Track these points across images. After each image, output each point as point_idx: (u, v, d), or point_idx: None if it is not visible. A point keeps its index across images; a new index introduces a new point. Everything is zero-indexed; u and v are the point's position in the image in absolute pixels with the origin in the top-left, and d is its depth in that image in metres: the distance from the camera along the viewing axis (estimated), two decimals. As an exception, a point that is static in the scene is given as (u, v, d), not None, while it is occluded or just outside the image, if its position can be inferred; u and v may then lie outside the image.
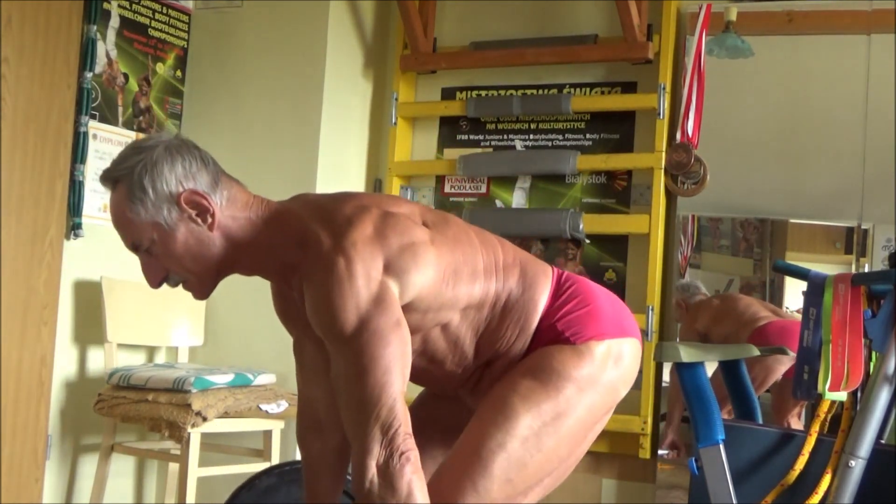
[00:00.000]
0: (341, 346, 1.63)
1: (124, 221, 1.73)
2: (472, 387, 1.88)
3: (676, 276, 3.48)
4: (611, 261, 3.58)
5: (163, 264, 1.75)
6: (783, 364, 3.23)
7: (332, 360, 1.68)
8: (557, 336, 1.79)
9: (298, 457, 2.11)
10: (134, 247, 1.76)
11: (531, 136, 3.77)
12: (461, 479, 1.70)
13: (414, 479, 1.60)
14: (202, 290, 1.80)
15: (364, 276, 1.63)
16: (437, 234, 1.75)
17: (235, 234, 1.74)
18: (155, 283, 1.78)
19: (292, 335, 1.97)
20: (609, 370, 1.79)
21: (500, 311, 1.80)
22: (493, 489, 1.71)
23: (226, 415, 3.21)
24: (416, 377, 1.77)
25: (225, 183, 1.75)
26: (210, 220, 1.71)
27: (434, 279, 1.71)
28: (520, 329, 1.81)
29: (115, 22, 3.63)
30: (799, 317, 2.69)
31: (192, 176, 1.71)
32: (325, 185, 3.64)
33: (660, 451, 3.38)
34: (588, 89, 3.70)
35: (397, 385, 1.62)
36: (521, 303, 1.81)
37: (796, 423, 3.24)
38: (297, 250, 1.71)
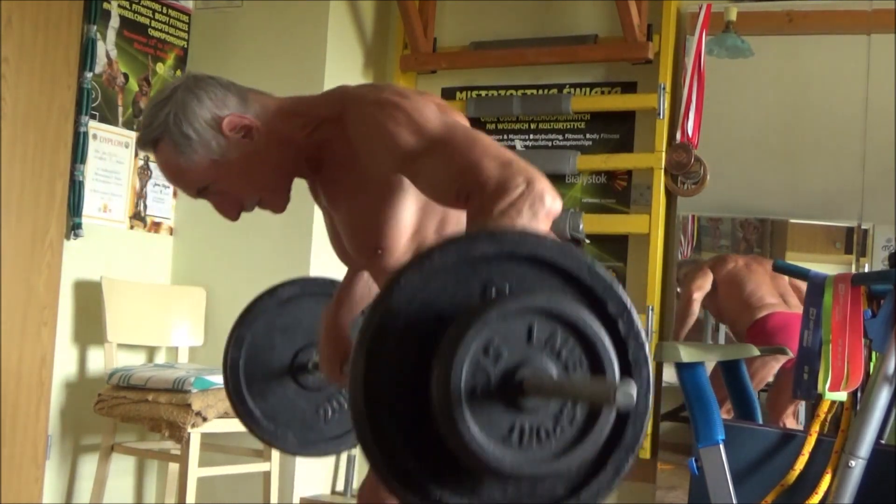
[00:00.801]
0: (433, 142, 1.52)
1: (180, 173, 1.72)
2: None
3: (677, 275, 3.48)
4: (611, 261, 3.58)
5: (235, 195, 1.74)
6: (780, 360, 3.24)
7: (426, 174, 1.54)
8: None
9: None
10: (199, 192, 1.74)
11: (531, 136, 3.77)
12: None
13: (548, 225, 1.42)
14: (279, 202, 1.78)
15: (422, 102, 1.60)
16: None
17: (284, 136, 1.73)
18: (234, 215, 1.77)
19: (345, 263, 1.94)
20: None
21: None
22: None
23: (226, 415, 3.21)
24: None
25: (253, 96, 1.75)
26: (256, 134, 1.71)
27: None
28: None
29: (115, 22, 3.63)
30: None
31: (222, 102, 1.70)
32: (325, 185, 3.64)
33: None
34: (588, 89, 3.70)
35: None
36: None
37: (792, 423, 3.24)
38: (334, 121, 1.68)
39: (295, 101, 1.77)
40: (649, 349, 1.21)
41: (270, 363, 2.10)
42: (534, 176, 1.41)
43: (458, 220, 1.67)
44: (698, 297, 3.44)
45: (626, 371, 1.17)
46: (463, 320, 1.12)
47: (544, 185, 1.41)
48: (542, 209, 1.39)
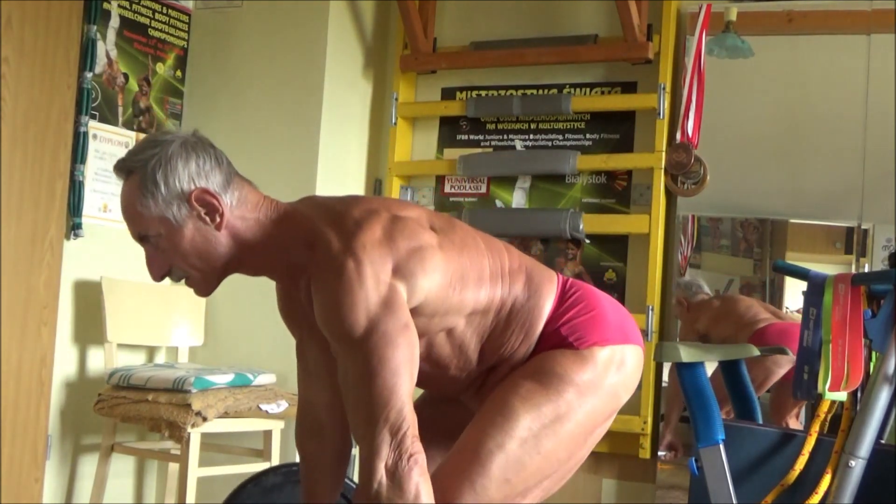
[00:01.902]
0: (350, 348, 1.63)
1: (133, 212, 1.73)
2: (475, 391, 1.89)
3: (676, 276, 3.48)
4: (611, 261, 3.58)
5: (168, 259, 1.75)
6: (782, 367, 3.23)
7: (339, 362, 1.68)
8: (561, 341, 1.79)
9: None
10: (140, 238, 1.76)
11: (531, 136, 3.77)
12: (460, 478, 1.70)
13: (421, 481, 1.60)
14: (205, 287, 1.80)
15: (373, 278, 1.63)
16: (444, 239, 1.75)
17: (243, 235, 1.75)
18: (158, 276, 1.78)
19: (295, 337, 1.97)
20: (611, 376, 1.80)
21: (505, 316, 1.81)
22: (491, 489, 1.71)
23: (226, 415, 3.21)
24: (419, 381, 1.77)
25: (237, 183, 1.76)
26: (219, 219, 1.72)
27: (441, 284, 1.71)
28: (524, 335, 1.82)
29: (115, 22, 3.63)
30: (799, 318, 2.69)
31: (206, 174, 1.72)
32: (325, 184, 3.64)
33: (659, 453, 3.38)
34: (588, 89, 3.70)
35: (406, 387, 1.63)
36: (527, 309, 1.81)
37: (795, 424, 3.23)
38: (306, 251, 1.71)
39: (272, 207, 1.78)
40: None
41: None
42: (398, 436, 1.59)
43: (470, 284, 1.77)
44: None
45: None
46: None
47: (407, 448, 1.60)
48: (406, 477, 1.59)
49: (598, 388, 1.78)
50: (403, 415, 1.61)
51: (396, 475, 1.59)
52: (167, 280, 4.09)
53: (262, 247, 1.76)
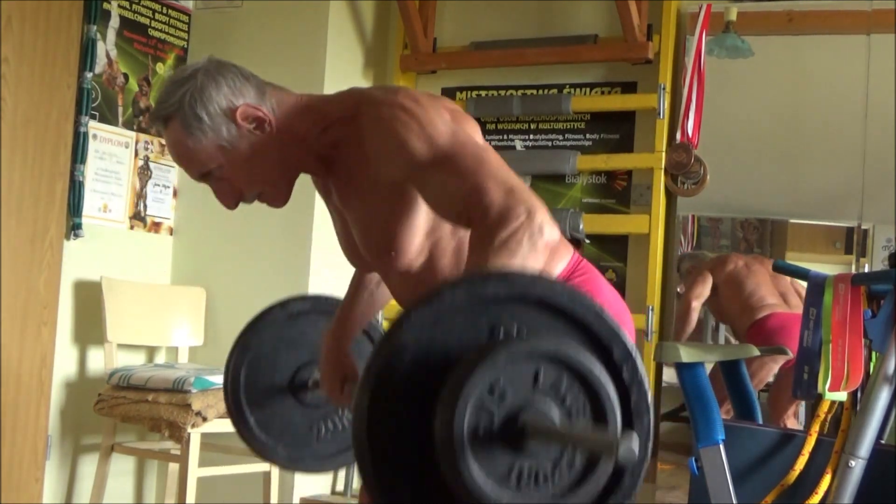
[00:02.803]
0: (442, 155, 1.54)
1: (187, 153, 1.71)
2: None
3: (676, 275, 3.48)
4: (611, 261, 3.58)
5: (235, 184, 1.73)
6: (778, 361, 3.24)
7: (432, 187, 1.57)
8: None
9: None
10: (202, 175, 1.74)
11: (531, 136, 3.77)
12: None
13: (545, 255, 1.45)
14: (281, 197, 1.77)
15: (435, 110, 1.60)
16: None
17: (295, 132, 1.73)
18: (233, 204, 1.76)
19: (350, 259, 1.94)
20: None
21: None
22: None
23: (226, 415, 3.20)
24: (407, 297, 1.75)
25: (270, 90, 1.75)
26: (269, 128, 1.71)
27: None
28: None
29: (115, 22, 3.63)
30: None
31: (240, 91, 1.71)
32: (325, 185, 3.64)
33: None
34: (588, 89, 3.70)
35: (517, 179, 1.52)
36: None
37: (793, 423, 3.24)
38: (347, 121, 1.68)
39: (310, 99, 1.77)
40: (651, 398, 1.22)
41: (272, 375, 2.10)
42: (534, 206, 1.44)
43: None
44: (697, 304, 3.44)
45: (628, 419, 1.19)
46: (470, 361, 1.13)
47: (543, 216, 1.44)
48: (541, 240, 1.42)
49: None
50: (530, 194, 1.46)
51: (535, 235, 1.41)
52: (167, 281, 4.10)
53: (310, 135, 1.73)
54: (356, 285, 2.05)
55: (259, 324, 2.14)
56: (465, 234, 1.67)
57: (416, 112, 1.59)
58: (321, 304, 2.19)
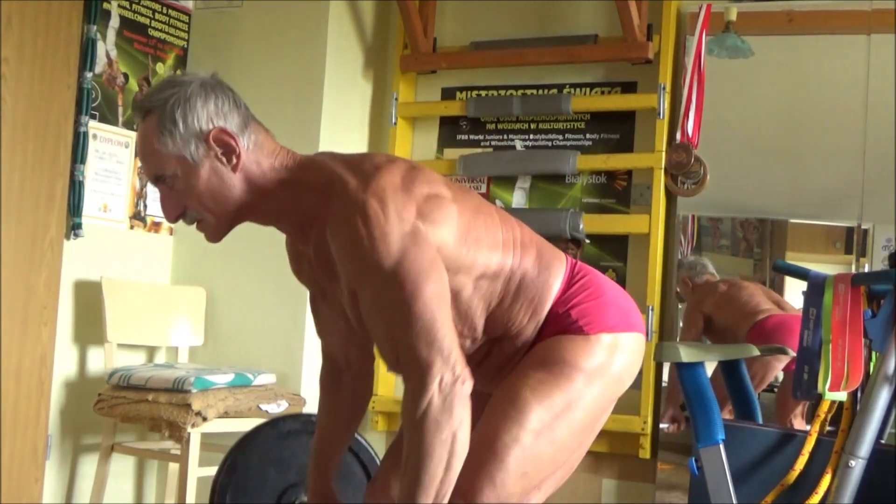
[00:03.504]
0: (381, 280, 1.61)
1: (150, 151, 1.72)
2: (478, 363, 1.85)
3: (676, 276, 3.48)
4: (611, 261, 3.58)
5: (182, 200, 1.74)
6: (782, 361, 3.24)
7: (366, 303, 1.65)
8: (569, 325, 1.79)
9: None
10: (156, 178, 1.75)
11: (531, 136, 3.77)
12: (479, 475, 1.69)
13: (466, 414, 1.61)
14: (217, 232, 1.80)
15: (396, 215, 1.62)
16: (459, 198, 1.76)
17: (258, 180, 1.74)
18: (172, 216, 1.78)
19: (308, 289, 1.96)
20: (616, 362, 1.80)
21: (514, 288, 1.79)
22: (510, 483, 1.70)
23: (226, 415, 3.21)
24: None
25: (254, 127, 1.75)
26: (235, 160, 1.71)
27: (456, 237, 1.70)
28: (532, 311, 1.81)
29: (115, 22, 3.63)
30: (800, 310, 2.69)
31: (224, 115, 1.71)
32: (325, 185, 3.64)
33: (661, 425, 3.38)
34: (588, 89, 3.70)
35: (445, 313, 1.62)
36: (537, 284, 1.80)
37: (799, 423, 3.23)
38: (321, 197, 1.70)
39: (288, 155, 1.77)
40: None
41: (259, 497, 2.08)
42: (449, 359, 1.59)
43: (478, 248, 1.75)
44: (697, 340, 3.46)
45: None
46: None
47: (456, 373, 1.60)
48: (456, 400, 1.59)
49: (606, 374, 1.78)
50: (451, 339, 1.61)
51: (449, 397, 1.59)
52: (167, 281, 4.10)
53: (275, 193, 1.75)
54: (328, 398, 2.01)
55: (248, 443, 2.12)
56: (469, 298, 1.76)
57: (375, 223, 1.61)
58: (312, 426, 2.17)
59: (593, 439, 1.86)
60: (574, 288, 1.83)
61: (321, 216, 1.70)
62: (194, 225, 1.81)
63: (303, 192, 1.73)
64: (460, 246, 1.71)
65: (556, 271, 1.83)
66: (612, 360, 1.79)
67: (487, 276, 1.76)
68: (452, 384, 1.59)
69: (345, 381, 1.98)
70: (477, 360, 1.87)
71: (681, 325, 3.47)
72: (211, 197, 1.73)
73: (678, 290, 3.47)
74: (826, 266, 3.29)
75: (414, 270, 1.60)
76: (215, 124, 1.70)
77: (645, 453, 3.39)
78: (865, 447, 2.32)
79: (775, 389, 3.33)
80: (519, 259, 1.80)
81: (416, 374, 1.60)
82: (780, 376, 3.32)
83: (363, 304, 1.67)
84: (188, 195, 1.73)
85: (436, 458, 1.58)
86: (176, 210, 1.77)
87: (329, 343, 1.98)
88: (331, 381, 2.00)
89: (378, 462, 2.19)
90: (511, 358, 1.82)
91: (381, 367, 1.84)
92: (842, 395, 2.42)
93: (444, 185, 1.74)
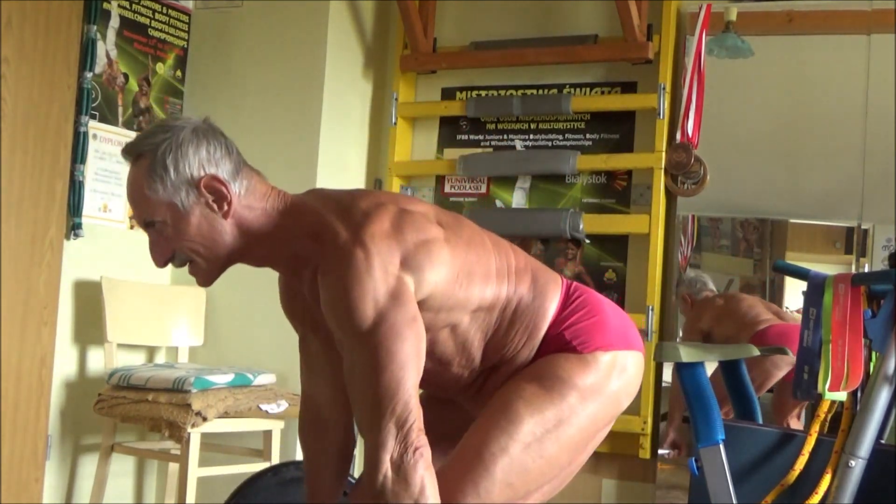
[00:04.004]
0: (357, 340, 1.63)
1: (140, 196, 1.73)
2: (475, 392, 1.88)
3: (676, 276, 3.48)
4: (611, 261, 3.58)
5: (171, 244, 1.74)
6: (781, 369, 3.23)
7: (346, 355, 1.68)
8: (564, 345, 1.79)
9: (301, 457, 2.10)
10: (145, 224, 1.75)
11: (531, 136, 3.77)
12: (463, 480, 1.70)
13: (427, 475, 1.61)
14: (208, 275, 1.80)
15: (381, 269, 1.63)
16: (451, 234, 1.75)
17: (250, 225, 1.74)
18: (161, 261, 1.77)
19: (298, 332, 1.97)
20: (613, 381, 1.80)
21: (510, 315, 1.80)
22: (494, 491, 1.71)
23: (226, 415, 3.21)
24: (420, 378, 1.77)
25: (246, 173, 1.76)
26: (226, 207, 1.72)
27: (447, 278, 1.71)
28: (528, 336, 1.82)
29: (115, 22, 3.63)
30: (799, 319, 2.69)
31: (216, 162, 1.72)
32: (325, 184, 3.63)
33: (660, 451, 3.38)
34: (588, 89, 3.70)
35: (412, 380, 1.63)
36: (532, 309, 1.81)
37: (796, 424, 3.23)
38: (312, 242, 1.71)
39: (280, 198, 1.78)
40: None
41: None
42: (403, 429, 1.60)
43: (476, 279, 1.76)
44: None
45: None
46: None
47: (411, 441, 1.60)
48: (411, 470, 1.59)
49: (601, 392, 1.78)
50: (410, 408, 1.61)
51: (402, 468, 1.59)
52: (167, 279, 4.10)
53: (267, 237, 1.76)
54: (314, 455, 1.98)
55: (250, 489, 2.11)
56: (466, 330, 1.78)
57: (357, 282, 1.62)
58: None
59: (587, 456, 1.86)
60: (569, 309, 1.84)
61: (313, 260, 1.71)
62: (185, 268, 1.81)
63: (294, 237, 1.74)
64: (453, 284, 1.72)
65: (552, 295, 1.84)
66: (607, 379, 1.79)
67: (483, 308, 1.78)
68: (403, 455, 1.60)
69: (329, 428, 1.96)
70: (476, 387, 1.88)
71: (681, 333, 3.47)
72: (201, 242, 1.74)
73: (680, 306, 3.47)
74: (826, 266, 3.29)
75: (390, 335, 1.62)
76: (206, 171, 1.70)
77: (645, 453, 3.39)
78: (865, 447, 2.32)
79: (772, 389, 3.33)
80: (514, 287, 1.81)
81: (372, 444, 1.61)
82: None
83: (343, 357, 1.69)
84: (178, 240, 1.73)
85: None
86: (165, 255, 1.77)
87: (314, 388, 1.96)
88: (313, 429, 1.97)
89: None
90: (506, 381, 1.83)
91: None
92: (842, 395, 2.42)
93: (434, 225, 1.74)
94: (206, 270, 1.79)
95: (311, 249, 1.72)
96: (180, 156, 1.69)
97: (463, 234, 1.78)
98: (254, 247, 1.77)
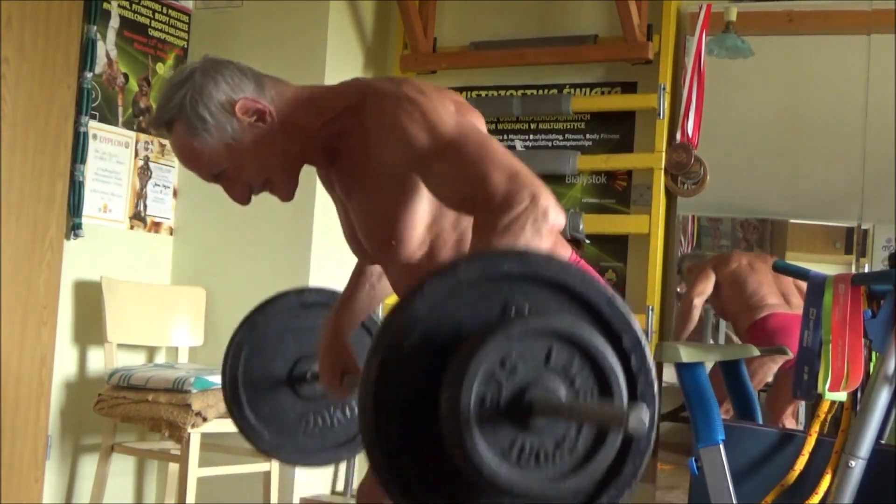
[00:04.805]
0: (446, 145, 1.55)
1: (194, 155, 1.72)
2: None
3: (676, 276, 3.48)
4: (611, 261, 3.58)
5: (245, 179, 1.74)
6: (777, 361, 3.24)
7: (436, 176, 1.58)
8: None
9: None
10: (213, 177, 1.75)
11: (531, 136, 3.76)
12: None
13: (550, 240, 1.46)
14: (286, 188, 1.78)
15: (439, 101, 1.62)
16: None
17: (296, 125, 1.73)
18: (245, 200, 1.77)
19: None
20: None
21: None
22: None
23: (226, 415, 3.20)
24: None
25: (269, 83, 1.75)
26: (270, 118, 1.71)
27: None
28: None
29: (115, 22, 3.63)
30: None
31: (238, 86, 1.71)
32: (325, 185, 3.64)
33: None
34: (588, 89, 3.70)
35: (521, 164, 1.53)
36: None
37: (791, 423, 3.24)
38: (352, 112, 1.69)
39: (312, 90, 1.78)
40: (657, 387, 1.22)
41: (273, 360, 2.11)
42: (539, 191, 1.44)
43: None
44: (699, 302, 3.45)
45: None
46: (480, 336, 1.13)
47: (548, 201, 1.44)
48: (546, 225, 1.43)
49: None
50: (534, 178, 1.47)
51: (539, 219, 1.41)
52: (167, 281, 4.09)
53: (314, 127, 1.74)
54: (357, 277, 2.06)
55: (271, 306, 2.14)
56: (468, 227, 1.69)
57: (421, 102, 1.59)
58: (335, 300, 2.19)
59: None
60: None
61: (352, 130, 1.70)
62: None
63: (335, 118, 1.73)
64: None
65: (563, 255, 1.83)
66: None
67: None
68: (546, 209, 1.42)
69: (369, 272, 2.03)
70: None
71: (680, 291, 3.46)
72: (266, 161, 1.73)
73: (679, 289, 3.47)
74: (826, 266, 3.29)
75: (474, 132, 1.57)
76: (235, 98, 1.70)
77: (645, 453, 3.38)
78: (865, 447, 2.32)
79: (766, 389, 3.33)
80: None
81: (503, 200, 1.43)
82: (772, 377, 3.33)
83: (431, 182, 1.60)
84: (248, 171, 1.73)
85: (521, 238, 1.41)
86: (245, 193, 1.76)
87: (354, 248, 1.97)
88: (361, 265, 2.03)
89: None
90: None
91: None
92: (842, 396, 2.41)
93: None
94: (286, 184, 1.77)
95: (352, 122, 1.70)
96: (206, 98, 1.69)
97: None
98: (308, 140, 1.75)
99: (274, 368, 2.10)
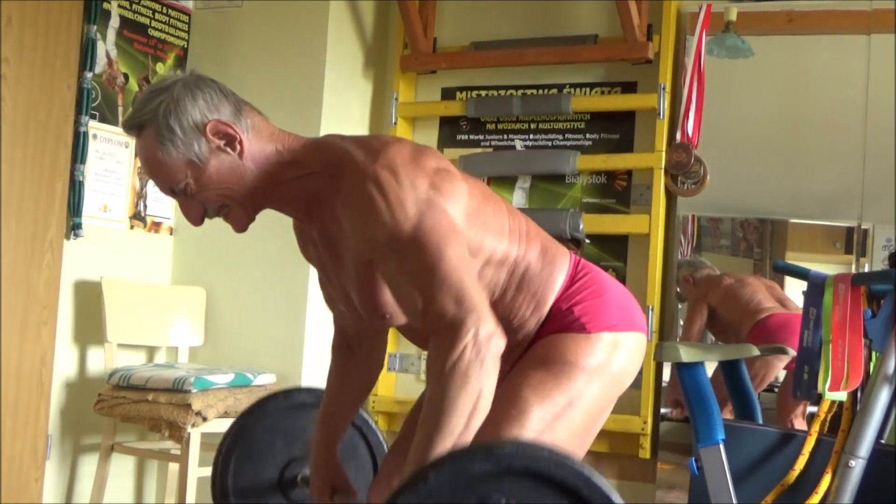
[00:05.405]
0: (403, 247, 1.60)
1: (156, 164, 1.71)
2: None
3: (676, 276, 3.48)
4: (611, 261, 3.58)
5: (200, 200, 1.74)
6: (782, 360, 3.24)
7: (393, 273, 1.64)
8: (571, 322, 1.78)
9: None
10: (171, 191, 1.74)
11: (531, 136, 3.77)
12: None
13: (496, 368, 1.57)
14: (243, 218, 1.77)
15: (410, 182, 1.62)
16: (469, 179, 1.76)
17: (266, 160, 1.73)
18: (197, 220, 1.77)
19: (316, 269, 1.96)
20: (617, 361, 1.79)
21: (518, 279, 1.79)
22: None
23: (226, 415, 3.21)
24: (422, 339, 1.75)
25: (248, 112, 1.75)
26: (239, 147, 1.71)
27: (464, 216, 1.69)
28: (535, 305, 1.80)
29: (115, 22, 3.63)
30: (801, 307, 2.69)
31: (215, 107, 1.70)
32: (325, 185, 3.64)
33: (662, 410, 3.38)
34: (588, 89, 3.71)
35: (472, 276, 1.60)
36: (540, 278, 1.80)
37: (800, 423, 3.23)
38: (328, 177, 1.70)
39: (289, 137, 1.77)
40: None
41: (263, 465, 2.09)
42: (482, 315, 1.56)
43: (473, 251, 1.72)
44: (699, 335, 3.46)
45: None
46: None
47: (490, 327, 1.56)
48: (490, 354, 1.55)
49: (606, 372, 1.78)
50: (480, 297, 1.57)
51: (482, 350, 1.54)
52: (167, 281, 4.09)
53: (282, 176, 1.74)
54: (338, 371, 2.03)
55: (259, 410, 2.13)
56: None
57: (389, 190, 1.61)
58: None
59: (593, 440, 1.86)
60: (577, 285, 1.82)
61: (328, 197, 1.70)
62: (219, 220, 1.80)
63: (310, 173, 1.73)
64: (469, 226, 1.70)
65: (560, 267, 1.83)
66: (611, 359, 1.79)
67: (493, 263, 1.76)
68: (488, 338, 1.55)
69: (355, 354, 2.00)
70: None
71: (682, 323, 3.47)
72: (227, 187, 1.72)
73: (678, 289, 3.48)
74: (826, 266, 3.29)
75: (434, 233, 1.59)
76: (209, 118, 1.69)
77: (645, 453, 3.39)
78: (865, 447, 2.32)
79: (775, 389, 3.33)
80: (524, 250, 1.80)
81: (448, 329, 1.56)
82: (781, 376, 3.33)
83: (386, 274, 1.66)
84: (204, 192, 1.72)
85: (458, 412, 1.53)
86: (198, 213, 1.76)
87: (338, 316, 1.98)
88: (341, 354, 2.01)
89: (382, 442, 2.21)
90: (511, 351, 1.81)
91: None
92: (842, 395, 2.41)
93: (451, 165, 1.74)
94: (240, 214, 1.77)
95: (326, 185, 1.70)
96: (181, 112, 1.68)
97: (480, 187, 1.79)
98: (272, 187, 1.74)
99: (264, 473, 2.08)
